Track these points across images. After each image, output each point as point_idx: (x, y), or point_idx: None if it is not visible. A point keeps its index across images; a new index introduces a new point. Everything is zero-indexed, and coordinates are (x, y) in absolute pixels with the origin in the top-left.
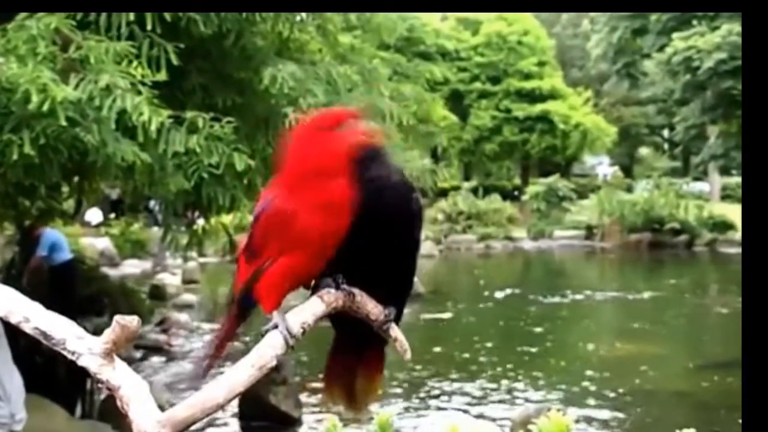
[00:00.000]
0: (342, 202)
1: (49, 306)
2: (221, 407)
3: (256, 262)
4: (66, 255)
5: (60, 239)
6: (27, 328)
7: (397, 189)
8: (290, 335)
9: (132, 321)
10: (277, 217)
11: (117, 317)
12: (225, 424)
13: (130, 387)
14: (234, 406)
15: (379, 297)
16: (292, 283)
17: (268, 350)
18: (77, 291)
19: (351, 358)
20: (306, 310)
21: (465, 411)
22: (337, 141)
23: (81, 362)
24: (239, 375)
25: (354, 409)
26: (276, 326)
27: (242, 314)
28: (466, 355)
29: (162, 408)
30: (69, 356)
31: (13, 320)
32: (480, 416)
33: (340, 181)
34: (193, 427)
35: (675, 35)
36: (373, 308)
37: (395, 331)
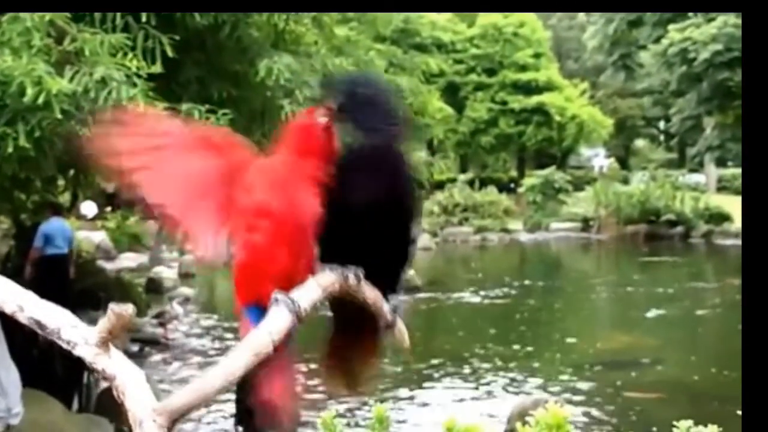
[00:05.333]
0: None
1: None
2: (218, 394)
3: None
4: (55, 249)
5: (53, 232)
6: (21, 317)
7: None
8: (296, 306)
9: (127, 309)
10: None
11: (111, 305)
12: (220, 418)
13: (126, 376)
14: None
15: (380, 286)
16: (263, 272)
17: (264, 336)
18: (66, 288)
19: (347, 343)
20: (302, 295)
21: (462, 403)
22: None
23: (76, 352)
24: (235, 361)
25: (352, 392)
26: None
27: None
28: (463, 347)
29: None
30: (64, 346)
31: (8, 310)
32: (477, 408)
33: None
34: (188, 423)
35: (671, 27)
36: (369, 292)
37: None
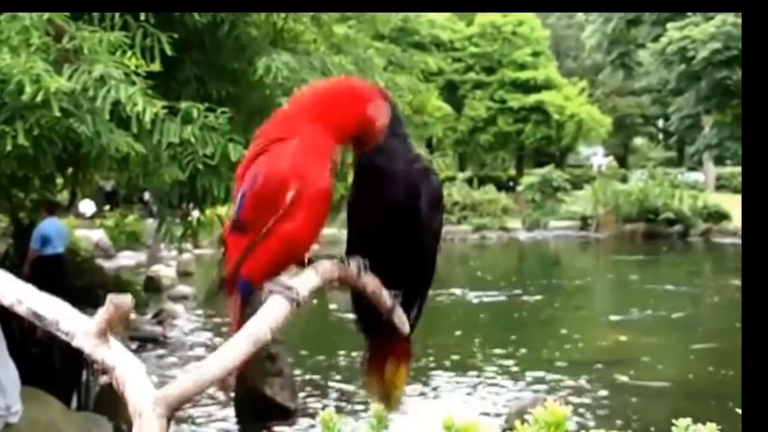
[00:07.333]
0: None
1: None
2: (215, 382)
3: (248, 236)
4: (51, 249)
5: (50, 232)
6: (20, 309)
7: (400, 179)
8: (295, 294)
9: (125, 300)
10: (272, 184)
11: (110, 296)
12: (220, 415)
13: (125, 367)
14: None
15: (389, 280)
16: (288, 257)
17: (262, 324)
18: (64, 287)
19: (381, 350)
20: (301, 283)
21: (461, 401)
22: (370, 115)
23: (75, 343)
24: (233, 350)
25: (387, 403)
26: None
27: (245, 301)
28: (462, 345)
29: None
30: (63, 337)
31: (6, 302)
32: (476, 406)
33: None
34: (189, 418)
35: (669, 25)
36: (369, 281)
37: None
